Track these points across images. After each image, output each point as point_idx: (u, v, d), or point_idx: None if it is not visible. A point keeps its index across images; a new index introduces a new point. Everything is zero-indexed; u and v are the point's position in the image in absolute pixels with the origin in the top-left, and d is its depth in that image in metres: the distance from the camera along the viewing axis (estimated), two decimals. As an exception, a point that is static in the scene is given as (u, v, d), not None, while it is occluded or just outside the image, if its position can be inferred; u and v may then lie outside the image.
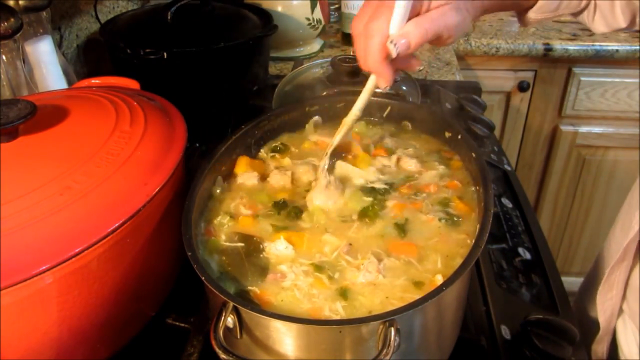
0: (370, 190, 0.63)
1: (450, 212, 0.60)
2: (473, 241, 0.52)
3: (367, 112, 0.78)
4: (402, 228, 0.58)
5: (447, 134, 0.69)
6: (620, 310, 0.72)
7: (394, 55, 0.52)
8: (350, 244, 0.56)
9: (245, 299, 0.51)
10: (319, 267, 0.54)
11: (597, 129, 1.64)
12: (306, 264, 0.55)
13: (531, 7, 0.66)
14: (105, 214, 0.49)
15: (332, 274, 0.53)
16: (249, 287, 0.53)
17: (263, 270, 0.55)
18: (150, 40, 1.04)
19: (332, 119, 0.76)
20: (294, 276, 0.54)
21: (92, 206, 0.49)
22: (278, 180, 0.66)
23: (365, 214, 0.60)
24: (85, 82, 0.79)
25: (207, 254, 0.57)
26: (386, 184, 0.64)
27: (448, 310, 0.53)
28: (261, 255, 0.56)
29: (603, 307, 0.71)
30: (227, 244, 0.58)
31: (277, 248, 0.56)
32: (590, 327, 0.74)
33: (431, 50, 1.54)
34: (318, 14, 1.40)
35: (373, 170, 0.66)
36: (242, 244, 0.58)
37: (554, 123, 1.67)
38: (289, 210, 0.61)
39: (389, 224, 0.58)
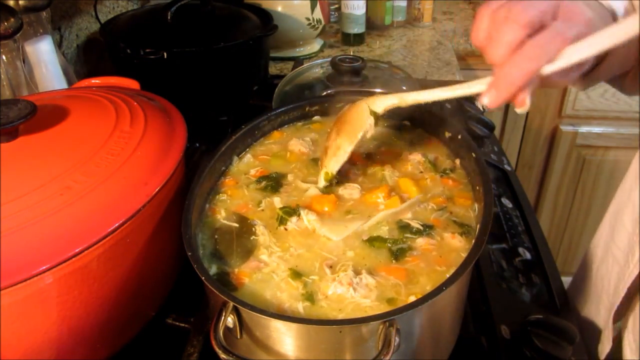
0: (403, 227, 0.59)
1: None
2: (473, 241, 0.52)
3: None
4: (395, 254, 0.56)
5: (447, 134, 0.69)
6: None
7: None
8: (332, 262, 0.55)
9: (225, 281, 0.53)
10: (296, 274, 0.54)
11: (597, 129, 1.64)
12: (285, 268, 0.55)
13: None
14: (105, 214, 0.49)
15: (307, 279, 0.53)
16: (230, 269, 0.55)
17: (248, 252, 0.56)
18: (150, 40, 1.04)
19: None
20: (275, 265, 0.55)
21: (92, 206, 0.49)
22: (300, 146, 0.71)
23: (373, 243, 0.57)
24: (85, 82, 0.79)
25: (201, 232, 0.59)
26: (422, 224, 0.59)
27: (448, 310, 0.53)
28: (251, 238, 0.58)
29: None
30: (224, 221, 0.61)
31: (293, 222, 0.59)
32: (588, 329, 0.73)
33: (431, 51, 1.54)
34: (318, 14, 1.40)
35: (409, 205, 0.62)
36: (236, 225, 0.60)
37: (554, 123, 1.67)
38: (268, 183, 0.65)
39: (385, 249, 0.56)
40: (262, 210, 0.62)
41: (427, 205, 0.62)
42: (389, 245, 0.56)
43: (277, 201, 0.63)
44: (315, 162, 0.69)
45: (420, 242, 0.57)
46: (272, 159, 0.71)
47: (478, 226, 0.54)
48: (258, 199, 0.64)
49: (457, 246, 0.56)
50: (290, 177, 0.67)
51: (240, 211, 0.62)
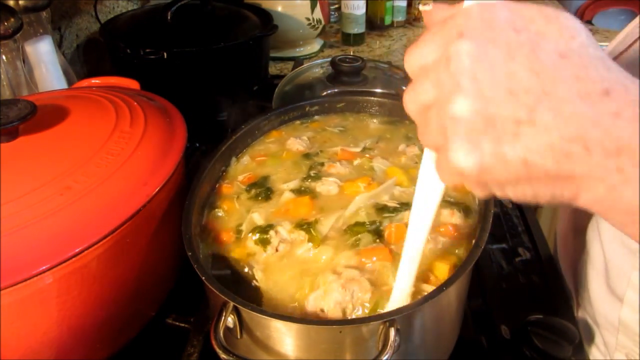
0: (381, 208, 0.59)
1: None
2: (473, 241, 0.52)
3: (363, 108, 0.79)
4: (376, 233, 0.56)
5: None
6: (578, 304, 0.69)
7: None
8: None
9: (219, 258, 0.55)
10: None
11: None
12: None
13: None
14: (105, 214, 0.49)
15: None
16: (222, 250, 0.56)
17: (252, 300, 0.51)
18: (150, 40, 1.04)
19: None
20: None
21: (92, 206, 0.49)
22: (297, 145, 0.71)
23: (353, 229, 0.56)
24: (85, 82, 0.79)
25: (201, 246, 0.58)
26: (399, 203, 0.59)
27: (448, 310, 0.53)
28: (252, 284, 0.53)
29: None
30: (217, 272, 0.55)
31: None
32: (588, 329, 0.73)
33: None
34: (318, 14, 1.40)
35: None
36: (229, 272, 0.55)
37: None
38: (257, 191, 0.63)
39: (365, 233, 0.56)
40: (249, 236, 0.57)
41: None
42: (367, 226, 0.57)
43: (257, 217, 0.60)
44: (308, 157, 0.69)
45: (402, 216, 0.57)
46: (269, 159, 0.70)
47: (478, 226, 0.54)
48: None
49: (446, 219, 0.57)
50: (274, 178, 0.66)
51: (227, 242, 0.58)
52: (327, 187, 0.63)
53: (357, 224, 0.57)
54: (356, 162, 0.68)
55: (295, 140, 0.72)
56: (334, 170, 0.66)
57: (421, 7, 0.38)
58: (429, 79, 0.32)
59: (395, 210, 0.59)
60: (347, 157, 0.69)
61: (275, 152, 0.72)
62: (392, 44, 1.59)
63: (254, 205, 0.62)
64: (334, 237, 0.57)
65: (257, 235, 0.57)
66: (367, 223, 0.57)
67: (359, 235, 0.56)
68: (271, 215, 0.60)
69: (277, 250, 0.56)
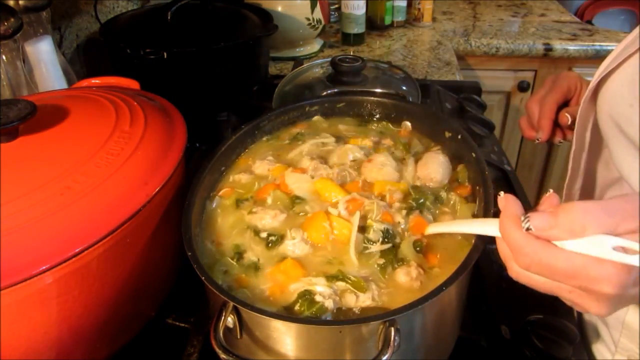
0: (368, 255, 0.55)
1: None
2: (473, 241, 0.52)
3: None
4: (416, 249, 0.54)
5: (447, 134, 0.69)
6: None
7: None
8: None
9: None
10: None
11: (597, 129, 1.64)
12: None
13: None
14: (105, 214, 0.49)
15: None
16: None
17: None
18: (150, 40, 1.04)
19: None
20: None
21: (92, 206, 0.49)
22: (266, 166, 0.67)
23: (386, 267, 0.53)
24: (85, 82, 0.79)
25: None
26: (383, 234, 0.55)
27: (448, 310, 0.53)
28: None
29: None
30: None
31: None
32: (588, 329, 0.73)
33: (431, 51, 1.54)
34: (318, 14, 1.40)
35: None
36: None
37: (554, 123, 1.67)
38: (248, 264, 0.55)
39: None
40: (297, 309, 0.50)
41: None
42: (395, 251, 0.54)
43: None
44: (239, 204, 0.62)
45: (398, 246, 0.55)
46: (232, 195, 0.64)
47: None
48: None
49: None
50: (248, 251, 0.57)
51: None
52: (299, 249, 0.56)
53: (384, 253, 0.54)
54: (269, 198, 0.61)
55: (261, 163, 0.68)
56: (265, 225, 0.58)
57: (524, 224, 0.46)
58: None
59: (386, 239, 0.55)
60: (262, 195, 0.63)
61: (245, 183, 0.65)
62: (392, 44, 1.59)
63: (248, 278, 0.54)
64: (374, 277, 0.52)
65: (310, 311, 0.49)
66: (392, 249, 0.54)
67: (400, 258, 0.53)
68: (266, 298, 0.52)
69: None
